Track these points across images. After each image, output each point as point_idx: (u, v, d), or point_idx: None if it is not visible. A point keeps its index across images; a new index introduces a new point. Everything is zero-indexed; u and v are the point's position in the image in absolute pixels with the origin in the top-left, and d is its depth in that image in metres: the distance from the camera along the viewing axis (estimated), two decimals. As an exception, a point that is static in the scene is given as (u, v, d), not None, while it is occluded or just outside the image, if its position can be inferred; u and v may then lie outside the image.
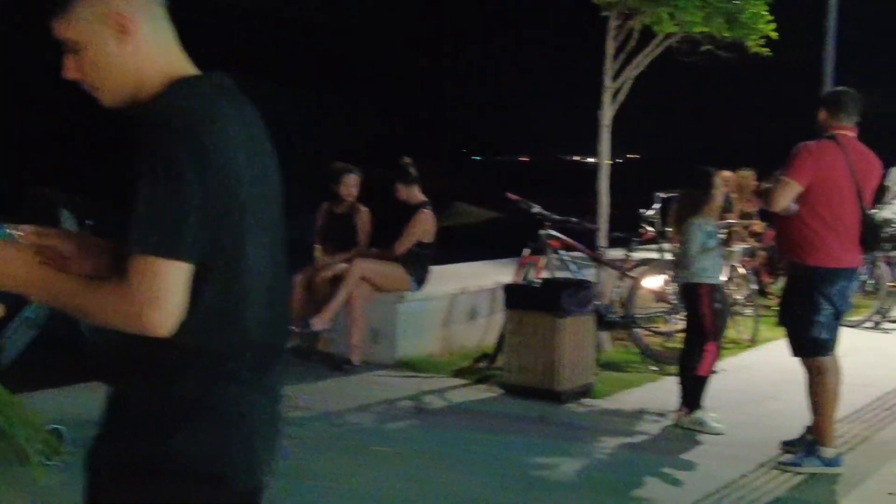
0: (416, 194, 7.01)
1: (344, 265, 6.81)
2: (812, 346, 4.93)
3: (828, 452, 4.91)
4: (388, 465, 4.81)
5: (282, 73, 32.31)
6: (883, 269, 9.31)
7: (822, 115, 5.02)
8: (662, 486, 4.79)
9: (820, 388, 4.92)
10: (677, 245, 5.87)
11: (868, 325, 9.15)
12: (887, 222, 10.53)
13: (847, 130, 4.96)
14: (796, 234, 4.93)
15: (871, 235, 4.99)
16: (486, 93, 63.10)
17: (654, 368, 7.01)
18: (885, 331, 9.15)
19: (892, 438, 5.62)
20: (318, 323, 6.55)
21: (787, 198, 4.83)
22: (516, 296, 6.45)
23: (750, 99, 50.14)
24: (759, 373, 7.04)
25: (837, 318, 5.03)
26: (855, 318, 9.24)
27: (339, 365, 6.64)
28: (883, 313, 9.34)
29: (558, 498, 4.56)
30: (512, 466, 4.90)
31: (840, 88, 5.15)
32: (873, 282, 9.53)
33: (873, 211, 5.11)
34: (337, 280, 6.73)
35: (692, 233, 5.62)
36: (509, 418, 5.83)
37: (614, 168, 7.76)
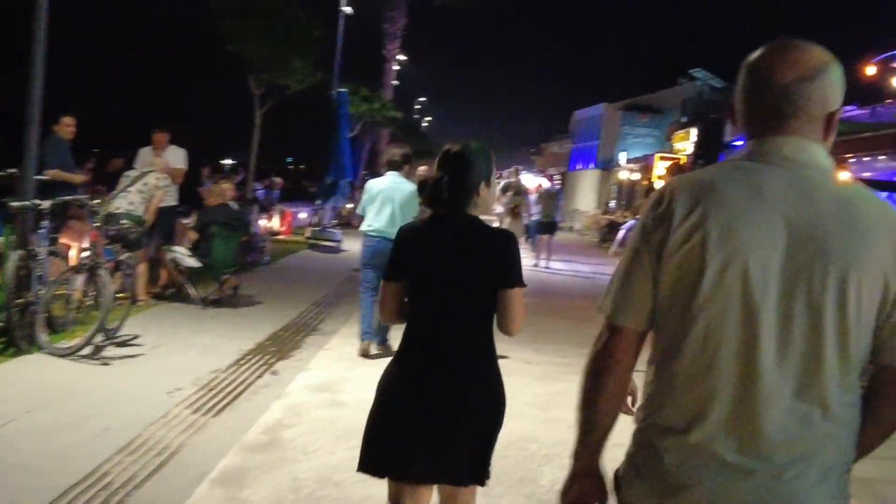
0: None
1: None
2: None
3: None
4: None
5: None
6: (104, 276, 6.79)
7: None
8: None
9: None
10: None
11: (85, 351, 6.52)
12: (116, 216, 8.29)
13: None
14: None
15: None
16: None
17: None
18: (107, 361, 6.52)
19: None
20: None
21: None
22: None
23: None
24: None
25: None
26: (69, 342, 6.68)
27: None
28: (107, 333, 6.84)
29: None
30: None
31: None
32: (94, 293, 6.99)
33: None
34: None
35: None
36: None
37: None
